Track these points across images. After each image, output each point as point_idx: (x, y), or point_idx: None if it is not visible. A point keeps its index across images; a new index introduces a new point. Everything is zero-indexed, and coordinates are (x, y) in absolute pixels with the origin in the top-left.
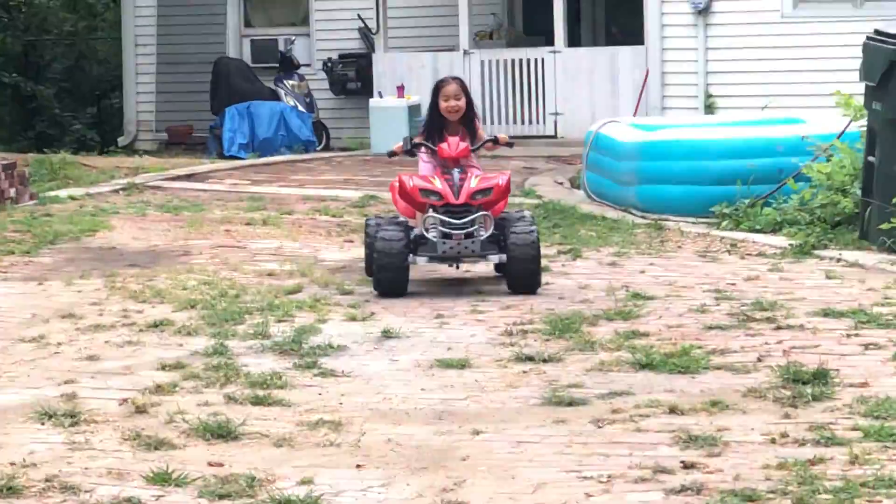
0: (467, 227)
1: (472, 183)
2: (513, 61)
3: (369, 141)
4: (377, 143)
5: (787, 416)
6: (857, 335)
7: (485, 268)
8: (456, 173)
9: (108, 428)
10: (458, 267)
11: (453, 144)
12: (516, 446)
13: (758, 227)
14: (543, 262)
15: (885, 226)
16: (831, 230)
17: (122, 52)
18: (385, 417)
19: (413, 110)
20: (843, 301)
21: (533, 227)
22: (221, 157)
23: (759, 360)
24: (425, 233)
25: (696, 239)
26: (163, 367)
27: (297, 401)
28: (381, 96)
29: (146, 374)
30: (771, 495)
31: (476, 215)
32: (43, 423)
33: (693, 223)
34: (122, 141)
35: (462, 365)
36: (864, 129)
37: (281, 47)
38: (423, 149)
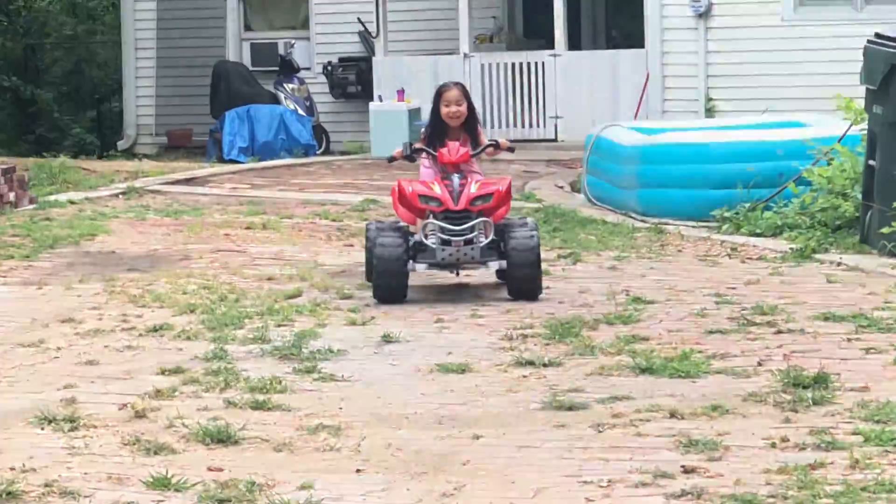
0: (467, 234)
1: (472, 189)
2: (513, 65)
3: (369, 145)
4: (377, 146)
5: (787, 420)
6: (857, 339)
7: (486, 275)
8: (456, 179)
9: (107, 433)
10: (457, 274)
11: (453, 149)
12: (516, 451)
13: (758, 230)
14: (543, 265)
15: (885, 230)
16: (832, 234)
17: (121, 55)
18: (385, 422)
19: (413, 114)
20: (844, 305)
21: (533, 233)
22: (221, 160)
23: (759, 364)
24: (424, 239)
25: (696, 243)
26: (162, 372)
27: (296, 405)
28: (381, 100)
29: (146, 378)
30: (771, 500)
31: (476, 221)
32: (42, 428)
33: (693, 227)
34: (121, 145)
35: (462, 369)
36: (865, 132)
37: (281, 51)
38: (423, 154)
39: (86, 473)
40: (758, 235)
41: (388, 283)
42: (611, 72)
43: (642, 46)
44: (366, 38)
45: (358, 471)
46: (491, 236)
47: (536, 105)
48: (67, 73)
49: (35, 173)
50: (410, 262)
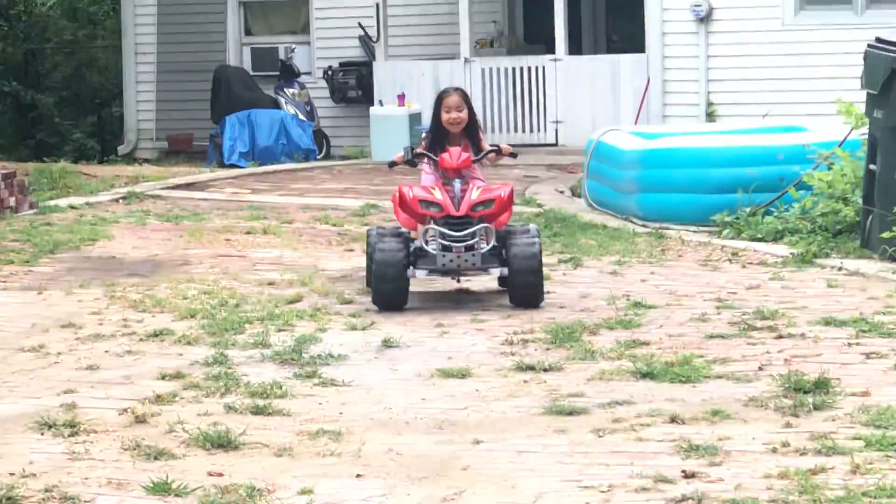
0: (468, 240)
1: (474, 195)
2: (514, 69)
3: (370, 149)
4: (378, 151)
5: (788, 425)
6: (858, 344)
7: (487, 281)
8: (457, 184)
9: (107, 438)
10: (458, 280)
11: (454, 155)
12: (517, 456)
13: (759, 235)
14: (544, 270)
15: (886, 234)
16: (833, 239)
17: (122, 60)
18: (385, 427)
19: (414, 118)
20: (845, 310)
21: (535, 240)
22: (222, 165)
23: (760, 369)
24: (425, 245)
25: (697, 248)
26: (163, 377)
27: (297, 410)
28: (381, 104)
29: (146, 383)
30: None
31: (477, 228)
32: (42, 433)
33: (694, 232)
34: (122, 150)
35: (463, 374)
36: (866, 137)
37: (281, 55)
38: (425, 159)
39: (86, 479)
40: (758, 240)
41: (387, 289)
42: (611, 76)
43: (643, 51)
44: (366, 42)
45: (358, 476)
46: (492, 243)
47: (537, 110)
48: (68, 77)
49: (35, 178)
50: (411, 268)
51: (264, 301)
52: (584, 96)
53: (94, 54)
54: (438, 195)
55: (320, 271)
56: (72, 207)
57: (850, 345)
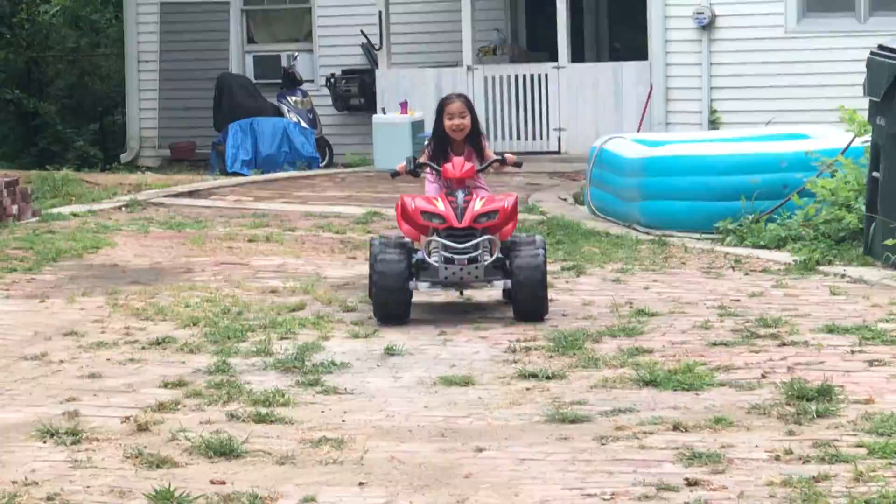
0: (471, 252)
1: (477, 205)
2: (516, 77)
3: (372, 157)
4: (380, 159)
5: (791, 432)
6: (861, 351)
7: (492, 291)
8: (460, 195)
9: (110, 446)
10: (461, 293)
11: (458, 165)
12: (519, 464)
13: (762, 242)
14: (547, 278)
15: (889, 241)
16: (836, 246)
17: (124, 68)
18: (388, 435)
19: (416, 126)
20: (848, 317)
21: (539, 252)
22: (224, 173)
23: (763, 376)
24: (427, 257)
25: (700, 255)
26: (165, 385)
27: (299, 418)
28: (384, 112)
29: (148, 391)
30: None
31: (480, 239)
32: (45, 441)
33: (697, 239)
34: (124, 157)
35: (465, 382)
36: (869, 144)
37: (284, 63)
38: (428, 169)
39: (88, 487)
40: (761, 247)
41: (388, 301)
42: (614, 84)
43: (645, 58)
44: (369, 50)
45: (361, 484)
46: (496, 254)
47: (540, 117)
48: (70, 85)
49: (38, 186)
50: (412, 280)
51: (267, 309)
52: (587, 104)
53: (96, 62)
54: (441, 206)
55: (323, 279)
56: (74, 215)
57: (853, 352)
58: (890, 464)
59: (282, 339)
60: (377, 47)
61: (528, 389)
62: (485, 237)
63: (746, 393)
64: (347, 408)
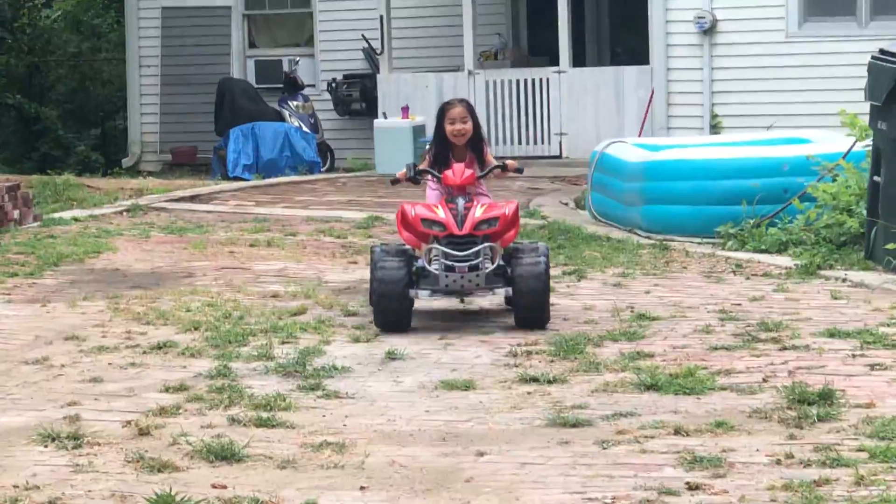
0: (471, 260)
1: (477, 212)
2: (517, 81)
3: (374, 162)
4: (382, 163)
5: (792, 436)
6: (862, 355)
7: (495, 298)
8: (461, 202)
9: (111, 450)
10: (462, 300)
11: (458, 171)
12: (521, 468)
13: (763, 247)
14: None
15: (890, 246)
16: (837, 250)
17: (126, 73)
18: (389, 439)
19: (418, 131)
20: (849, 321)
21: (541, 259)
22: (226, 178)
23: (764, 380)
24: (428, 265)
25: (701, 259)
26: (166, 389)
27: (300, 422)
28: (385, 117)
29: (149, 396)
30: None
31: (481, 247)
32: (46, 446)
33: (698, 243)
34: (126, 162)
35: (466, 386)
36: (870, 148)
37: (285, 68)
38: (428, 176)
39: (89, 491)
40: (763, 252)
41: (388, 309)
42: (615, 88)
43: (647, 63)
44: (370, 55)
45: (362, 488)
46: (497, 262)
47: (541, 122)
48: (72, 90)
49: (39, 191)
50: (412, 289)
51: (268, 313)
52: (588, 108)
53: (98, 67)
54: (441, 214)
55: (324, 283)
56: (76, 220)
57: (854, 356)
58: (891, 468)
59: (283, 343)
60: (378, 52)
61: (529, 393)
62: (486, 244)
63: (747, 397)
64: (348, 412)
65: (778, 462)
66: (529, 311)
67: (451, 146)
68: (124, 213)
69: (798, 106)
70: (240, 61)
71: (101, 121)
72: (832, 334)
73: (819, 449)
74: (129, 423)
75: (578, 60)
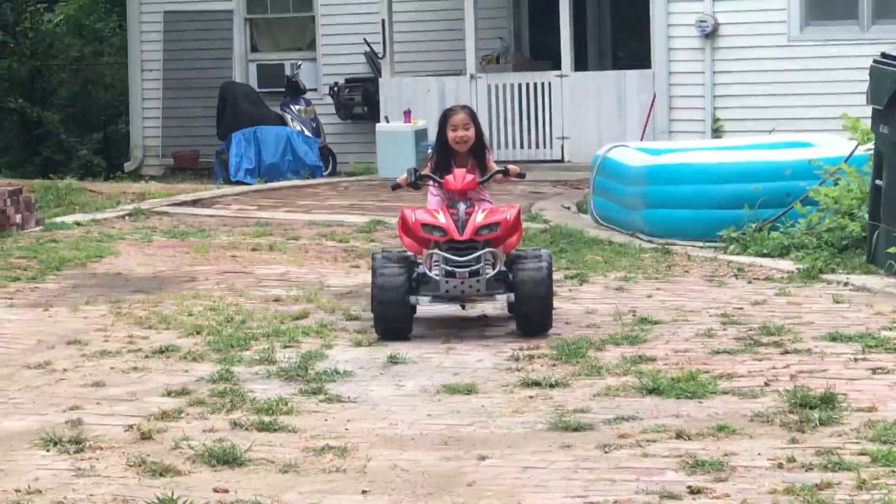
0: (472, 265)
1: (478, 218)
2: (520, 85)
3: (376, 166)
4: (384, 167)
5: (794, 440)
6: (864, 359)
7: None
8: (462, 207)
9: (113, 454)
10: (464, 307)
11: (459, 176)
12: (522, 472)
13: (765, 251)
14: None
15: (892, 249)
16: (839, 254)
17: (128, 77)
18: (391, 443)
19: (419, 135)
20: (851, 325)
21: (543, 265)
22: (228, 182)
23: (766, 384)
24: (428, 271)
25: (703, 263)
26: (168, 394)
27: (302, 427)
28: (387, 121)
29: (152, 400)
30: None
31: (482, 252)
32: (48, 450)
33: (700, 247)
34: (128, 166)
35: (468, 390)
36: (872, 152)
37: (287, 72)
38: (430, 181)
39: (91, 495)
40: (764, 256)
41: (388, 316)
42: (617, 92)
43: (649, 67)
44: (372, 59)
45: (364, 492)
46: (499, 267)
47: (543, 126)
48: (74, 94)
49: (41, 195)
50: (413, 295)
51: (270, 317)
52: (590, 112)
53: (100, 71)
54: (442, 219)
55: (326, 287)
56: (78, 224)
57: (856, 360)
58: (893, 472)
59: (285, 347)
60: (380, 56)
61: (531, 398)
62: (486, 250)
63: (749, 401)
64: (350, 416)
65: (780, 466)
66: (532, 317)
67: (454, 153)
68: (126, 218)
69: (800, 110)
70: (242, 65)
71: (104, 125)
72: (834, 338)
73: (821, 453)
74: (131, 427)
75: (580, 64)
